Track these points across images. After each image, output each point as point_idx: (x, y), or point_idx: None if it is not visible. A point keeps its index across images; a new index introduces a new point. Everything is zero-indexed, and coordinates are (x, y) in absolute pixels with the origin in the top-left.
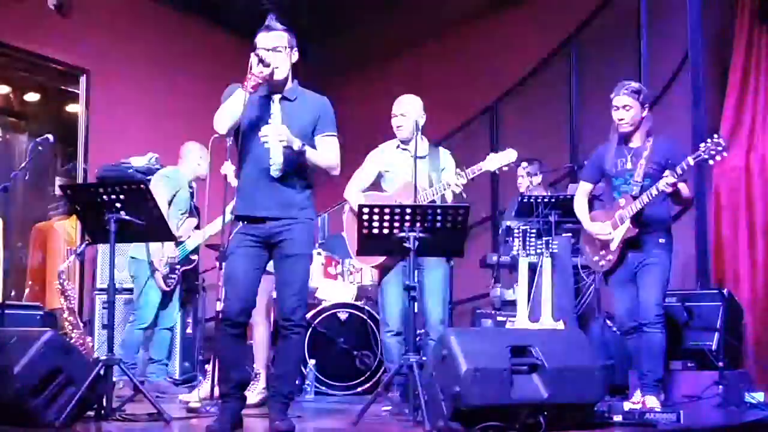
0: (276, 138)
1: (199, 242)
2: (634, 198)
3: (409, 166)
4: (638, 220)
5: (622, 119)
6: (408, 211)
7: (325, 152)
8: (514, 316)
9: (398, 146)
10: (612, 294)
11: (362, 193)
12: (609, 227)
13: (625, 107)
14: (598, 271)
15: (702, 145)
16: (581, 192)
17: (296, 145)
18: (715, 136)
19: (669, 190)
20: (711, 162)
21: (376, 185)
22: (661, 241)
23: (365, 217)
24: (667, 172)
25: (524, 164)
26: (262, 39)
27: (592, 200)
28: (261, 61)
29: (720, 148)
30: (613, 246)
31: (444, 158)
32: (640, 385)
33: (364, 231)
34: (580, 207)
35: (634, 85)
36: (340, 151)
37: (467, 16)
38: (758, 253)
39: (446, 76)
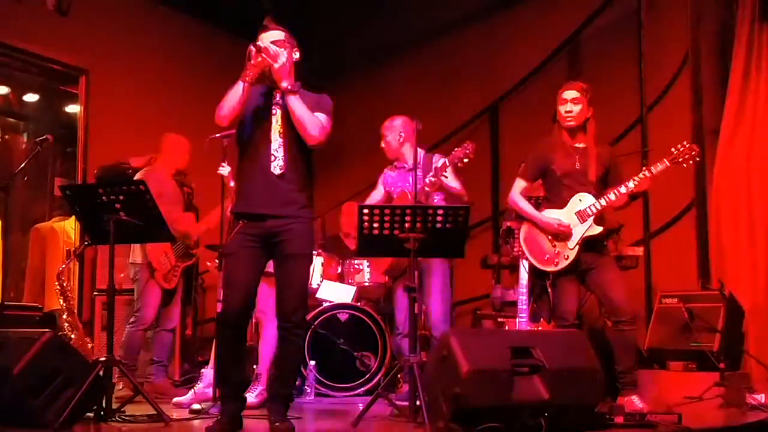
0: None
1: (200, 233)
2: (597, 197)
3: (403, 179)
4: (597, 219)
5: (570, 112)
6: (408, 212)
7: (311, 114)
8: (515, 317)
9: (393, 164)
10: (561, 292)
11: None
12: (572, 220)
13: (573, 100)
14: (549, 269)
15: (673, 149)
16: (520, 190)
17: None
18: (685, 142)
19: (644, 187)
20: (684, 165)
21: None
22: (605, 242)
23: (365, 218)
24: (643, 169)
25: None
26: (262, 37)
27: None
28: (259, 50)
29: (693, 153)
30: (573, 244)
31: (435, 163)
32: (621, 385)
33: (365, 231)
34: (525, 204)
35: (583, 84)
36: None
37: (467, 15)
38: (759, 253)
39: (446, 76)
